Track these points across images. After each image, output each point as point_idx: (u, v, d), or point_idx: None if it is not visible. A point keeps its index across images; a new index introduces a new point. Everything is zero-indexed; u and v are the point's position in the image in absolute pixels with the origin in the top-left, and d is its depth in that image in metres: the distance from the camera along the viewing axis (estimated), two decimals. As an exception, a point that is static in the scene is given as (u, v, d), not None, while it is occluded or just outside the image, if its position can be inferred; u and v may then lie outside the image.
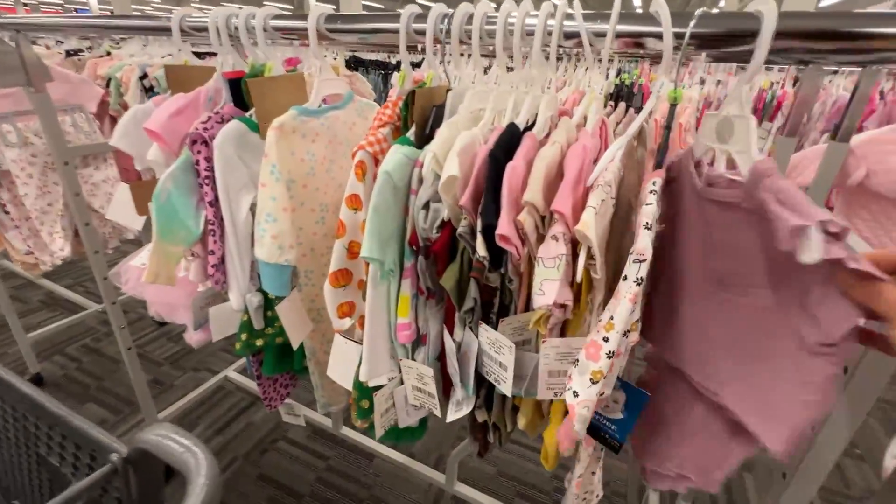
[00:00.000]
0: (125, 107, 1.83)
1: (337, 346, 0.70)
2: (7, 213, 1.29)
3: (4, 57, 1.11)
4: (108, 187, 1.40)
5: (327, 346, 0.88)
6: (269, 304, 0.80)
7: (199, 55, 2.13)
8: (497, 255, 0.51)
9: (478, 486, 1.45)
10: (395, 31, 0.62)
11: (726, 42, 0.46)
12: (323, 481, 1.54)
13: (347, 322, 0.66)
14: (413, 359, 0.64)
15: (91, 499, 0.49)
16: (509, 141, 0.51)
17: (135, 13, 0.93)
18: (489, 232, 0.48)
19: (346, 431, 1.65)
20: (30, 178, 1.23)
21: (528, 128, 0.56)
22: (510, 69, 0.60)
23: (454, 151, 0.50)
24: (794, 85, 2.47)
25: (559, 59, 0.94)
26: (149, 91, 1.83)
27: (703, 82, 2.44)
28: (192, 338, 0.98)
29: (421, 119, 0.61)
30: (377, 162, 0.60)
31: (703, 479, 0.54)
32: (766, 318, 0.44)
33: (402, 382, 0.67)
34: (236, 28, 0.75)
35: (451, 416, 0.62)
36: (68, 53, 2.14)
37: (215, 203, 0.72)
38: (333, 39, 0.70)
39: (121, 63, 1.89)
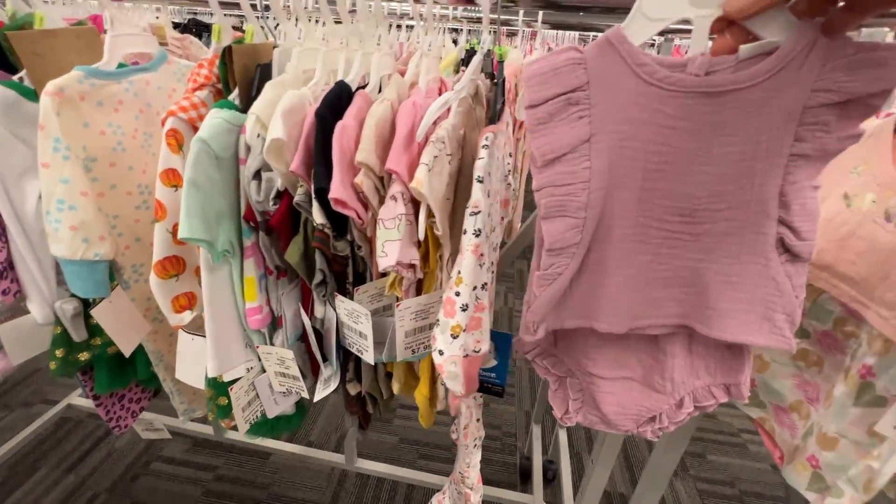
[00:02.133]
0: None
1: (182, 343, 0.62)
2: None
3: None
4: None
5: (175, 347, 0.78)
6: (87, 309, 0.67)
7: None
8: (340, 222, 0.49)
9: (380, 457, 1.47)
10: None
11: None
12: (213, 493, 1.42)
13: (188, 316, 0.58)
14: (272, 343, 0.60)
15: None
16: (338, 100, 0.48)
17: None
18: (323, 196, 0.45)
19: (233, 434, 1.52)
20: None
21: (361, 87, 0.53)
22: (338, 23, 0.56)
23: (278, 112, 0.46)
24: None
25: (399, 27, 0.92)
26: None
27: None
28: (-6, 366, 0.79)
29: (245, 80, 0.54)
30: (195, 129, 0.53)
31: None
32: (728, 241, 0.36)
33: (263, 371, 0.62)
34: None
35: (319, 394, 0.59)
36: None
37: (-14, 196, 0.57)
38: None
39: None
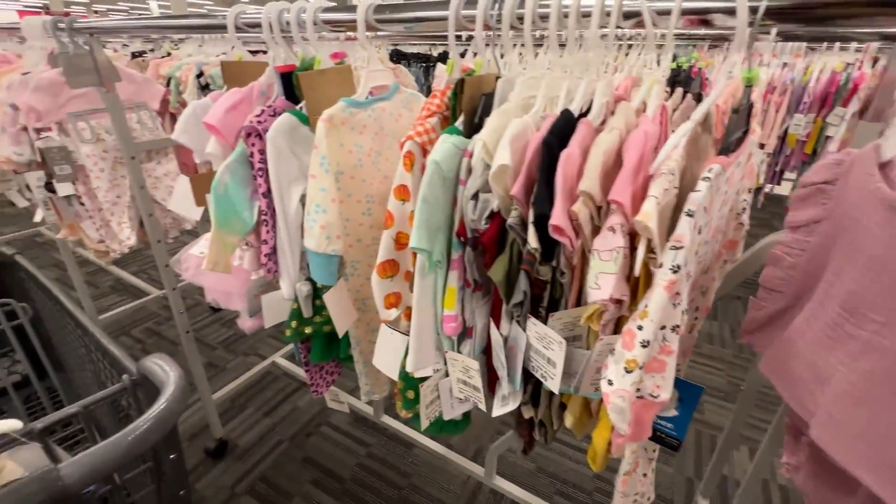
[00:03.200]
0: (183, 104, 1.93)
1: (383, 336, 0.71)
2: (82, 204, 1.39)
3: (79, 60, 1.20)
4: (168, 181, 1.48)
5: (372, 336, 0.90)
6: (317, 293, 0.82)
7: (253, 53, 2.21)
8: (549, 248, 0.50)
9: (516, 480, 1.44)
10: (444, 19, 0.61)
11: (809, 14, 0.42)
12: (364, 467, 1.58)
13: (394, 312, 0.66)
14: (459, 351, 0.64)
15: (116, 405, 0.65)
16: (563, 128, 0.49)
17: (194, 13, 0.97)
18: (542, 223, 0.46)
19: (387, 420, 1.68)
20: (101, 172, 1.33)
21: (583, 114, 0.53)
22: (562, 45, 0.57)
23: (505, 140, 0.49)
24: (872, 66, 2.24)
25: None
26: (204, 88, 1.92)
27: (765, 65, 2.27)
28: (246, 324, 1.02)
29: (470, 108, 0.60)
30: (425, 152, 0.60)
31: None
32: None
33: (447, 375, 0.66)
34: (287, 23, 0.77)
35: (497, 410, 0.61)
36: (133, 55, 2.29)
37: (268, 194, 0.74)
38: (380, 30, 0.70)
39: (179, 63, 1.99)
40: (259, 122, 0.73)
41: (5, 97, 1.28)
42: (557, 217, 0.44)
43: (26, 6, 18.87)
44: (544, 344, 0.54)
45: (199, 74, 1.88)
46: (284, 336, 0.81)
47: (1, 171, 1.42)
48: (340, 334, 0.77)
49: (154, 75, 1.86)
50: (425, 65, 2.97)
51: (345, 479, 1.55)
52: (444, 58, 2.93)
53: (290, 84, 0.79)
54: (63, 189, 1.34)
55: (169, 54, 2.19)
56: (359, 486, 1.52)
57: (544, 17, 0.54)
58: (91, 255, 1.57)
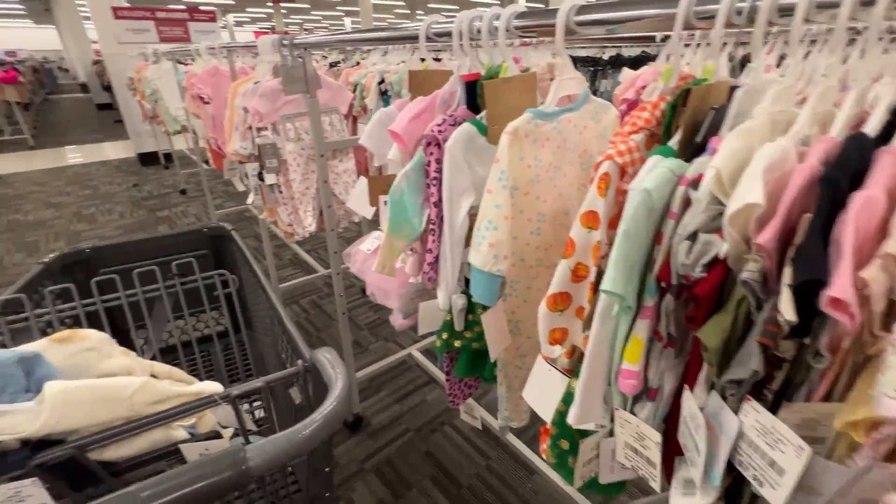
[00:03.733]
0: (364, 108, 2.14)
1: (539, 371, 0.64)
2: (281, 192, 1.65)
3: (294, 70, 1.40)
4: (346, 177, 1.66)
5: (520, 361, 0.84)
6: (471, 307, 0.80)
7: (437, 60, 2.34)
8: (806, 320, 0.36)
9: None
10: (667, 17, 0.51)
11: None
12: (481, 479, 1.55)
13: (558, 350, 0.59)
14: (633, 412, 0.53)
15: (288, 384, 0.69)
16: (855, 159, 0.35)
17: (384, 26, 1.04)
18: (808, 290, 0.33)
19: (511, 438, 1.62)
20: (298, 167, 1.55)
21: (882, 139, 0.38)
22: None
23: (756, 170, 0.37)
24: None
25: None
26: (384, 94, 2.10)
27: None
28: (397, 321, 1.07)
29: (692, 125, 0.49)
30: (623, 174, 0.51)
31: None
32: None
33: (611, 434, 0.57)
34: (478, 31, 0.75)
35: (677, 499, 0.49)
36: (331, 65, 2.63)
37: (438, 204, 0.74)
38: (578, 33, 0.63)
39: (365, 71, 2.21)
40: (439, 131, 0.73)
41: (240, 101, 1.58)
42: (842, 287, 0.31)
43: (260, 28, 23.86)
44: (769, 440, 0.41)
45: (381, 81, 2.05)
46: (434, 346, 0.81)
47: (230, 161, 1.77)
48: (493, 357, 0.73)
49: (345, 82, 2.10)
50: (592, 68, 2.78)
51: (461, 485, 1.53)
52: (616, 62, 2.69)
53: (473, 93, 0.77)
54: (269, 179, 1.60)
55: (358, 63, 2.47)
56: (474, 496, 1.49)
57: (823, 5, 0.40)
58: (280, 234, 1.85)
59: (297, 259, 3.18)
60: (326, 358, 0.61)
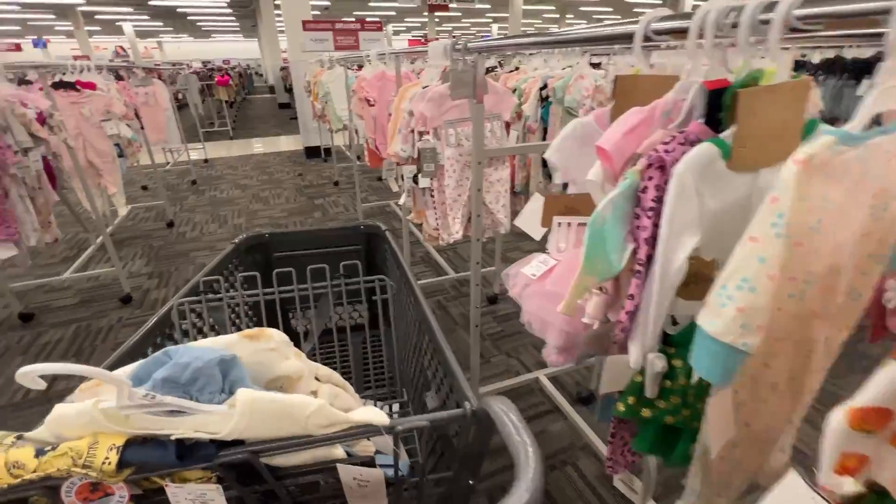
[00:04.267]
0: (518, 115, 2.04)
1: (791, 491, 0.45)
2: (432, 196, 1.65)
3: (463, 75, 1.37)
4: (499, 186, 1.59)
5: (728, 453, 0.64)
6: (671, 373, 0.63)
7: (595, 66, 2.14)
8: None
9: None
10: None
11: None
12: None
13: (848, 484, 0.40)
14: None
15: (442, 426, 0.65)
16: None
17: (577, 29, 0.91)
18: None
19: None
20: (454, 173, 1.52)
21: None
22: None
23: None
24: None
25: None
26: (544, 101, 1.97)
27: None
28: (551, 357, 0.94)
29: None
30: None
31: None
32: None
33: None
34: (733, 25, 0.58)
35: None
36: (487, 70, 2.60)
37: (651, 241, 0.59)
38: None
39: (525, 76, 2.11)
40: (667, 151, 0.58)
41: (407, 105, 1.61)
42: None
43: (414, 36, 25.76)
44: None
45: (543, 87, 1.93)
46: (616, 409, 0.67)
47: (388, 162, 1.84)
48: (715, 451, 0.56)
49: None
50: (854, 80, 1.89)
51: (581, 542, 1.34)
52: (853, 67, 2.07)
53: (716, 105, 0.60)
54: (424, 182, 1.60)
55: (517, 69, 2.39)
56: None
57: None
58: (422, 237, 1.87)
59: (428, 258, 3.26)
60: (510, 419, 0.50)
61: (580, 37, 0.90)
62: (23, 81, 2.53)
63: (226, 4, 16.09)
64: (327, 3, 16.38)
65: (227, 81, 8.60)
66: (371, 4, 17.24)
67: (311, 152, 6.62)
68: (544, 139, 1.98)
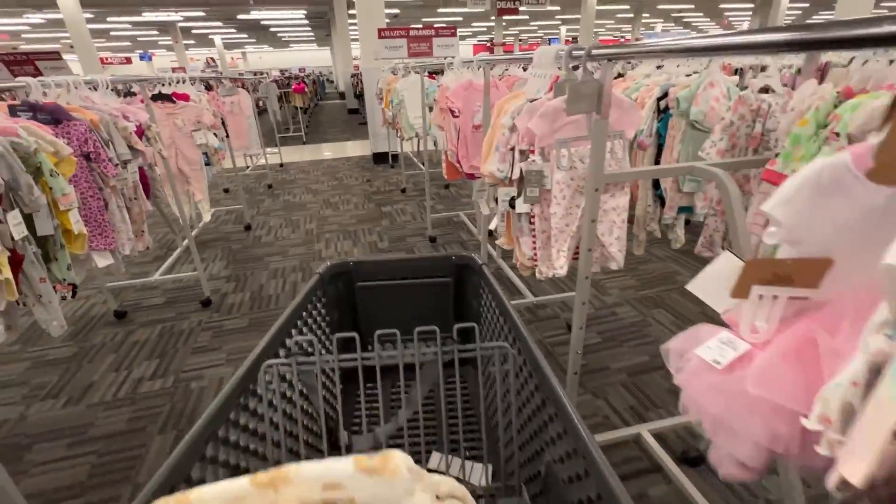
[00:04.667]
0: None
1: None
2: (531, 223, 1.45)
3: (584, 86, 1.15)
4: (614, 216, 1.35)
5: None
6: None
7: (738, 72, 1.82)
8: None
9: None
10: None
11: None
12: None
13: None
14: None
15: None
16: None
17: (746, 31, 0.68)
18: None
19: None
20: (563, 199, 1.31)
21: None
22: None
23: None
24: None
25: None
26: (662, 112, 1.70)
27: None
28: (727, 468, 0.70)
29: None
30: None
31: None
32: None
33: None
34: None
35: None
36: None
37: None
38: None
39: (637, 83, 1.84)
40: None
41: (506, 120, 1.43)
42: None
43: (479, 41, 25.68)
44: None
45: (662, 96, 1.67)
46: None
47: (480, 182, 1.67)
48: None
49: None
50: None
51: None
52: None
53: None
54: (522, 208, 1.41)
55: (620, 76, 2.13)
56: None
57: None
58: (517, 264, 1.67)
59: (499, 275, 3.05)
60: None
61: (761, 41, 0.64)
62: (128, 94, 2.67)
63: (304, 16, 16.99)
64: (396, 12, 16.74)
65: (302, 89, 8.97)
66: (440, 11, 17.39)
67: (379, 158, 6.67)
68: (658, 157, 1.71)
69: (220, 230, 4.16)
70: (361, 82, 9.43)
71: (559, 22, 21.78)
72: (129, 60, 21.42)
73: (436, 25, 5.08)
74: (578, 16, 14.39)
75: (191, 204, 2.81)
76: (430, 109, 2.76)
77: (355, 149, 8.18)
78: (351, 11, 13.74)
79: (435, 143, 2.97)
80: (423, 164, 3.81)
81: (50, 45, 20.17)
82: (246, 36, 23.16)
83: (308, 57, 31.57)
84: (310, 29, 21.45)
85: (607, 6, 16.53)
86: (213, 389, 2.08)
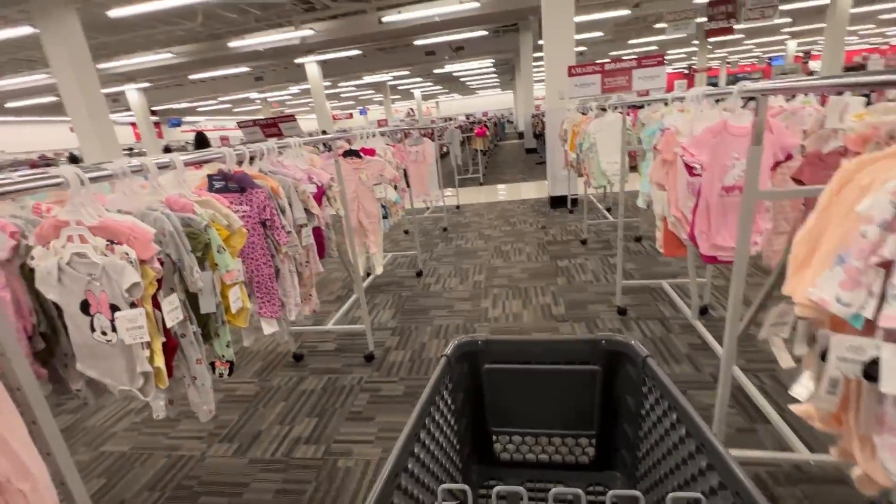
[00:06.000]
0: None
1: None
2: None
3: None
4: None
5: None
6: None
7: None
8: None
9: None
10: None
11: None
12: None
13: None
14: None
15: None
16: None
17: None
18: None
19: None
20: None
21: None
22: None
23: None
24: None
25: None
26: None
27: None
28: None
29: None
30: None
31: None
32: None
33: None
34: None
35: None
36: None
37: None
38: None
39: None
40: None
41: (871, 207, 0.75)
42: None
43: (674, 69, 23.18)
44: None
45: None
46: None
47: (780, 311, 0.97)
48: None
49: None
50: None
51: None
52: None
53: None
54: (892, 386, 0.70)
55: None
56: None
57: None
58: (858, 475, 0.93)
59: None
60: None
61: None
62: (328, 148, 2.85)
63: (491, 64, 18.12)
64: (582, 49, 16.34)
65: (484, 133, 9.22)
66: (631, 42, 16.27)
67: (557, 202, 6.17)
68: None
69: (395, 274, 4.24)
70: (542, 122, 9.20)
71: (786, 36, 17.97)
72: (350, 116, 26.38)
73: (638, 56, 4.41)
74: (819, 25, 11.46)
75: (365, 257, 2.80)
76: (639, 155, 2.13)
77: (531, 190, 7.88)
78: (536, 54, 13.95)
79: (648, 206, 2.31)
80: (608, 212, 3.13)
81: (297, 109, 26.42)
82: (440, 87, 26.08)
83: (491, 101, 33.78)
84: (496, 75, 22.83)
85: (865, 6, 12.79)
86: (357, 472, 1.87)
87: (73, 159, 10.26)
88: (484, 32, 12.32)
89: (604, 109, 3.82)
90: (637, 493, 0.68)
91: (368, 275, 3.96)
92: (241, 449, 2.10)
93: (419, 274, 4.15)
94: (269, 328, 1.62)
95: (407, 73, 17.33)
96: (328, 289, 4.00)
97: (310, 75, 12.31)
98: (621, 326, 2.84)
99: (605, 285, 3.47)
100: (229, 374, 1.37)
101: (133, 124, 16.20)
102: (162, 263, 1.03)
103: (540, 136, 11.89)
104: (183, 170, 1.25)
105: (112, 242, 0.97)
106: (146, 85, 13.22)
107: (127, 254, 0.97)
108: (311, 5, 9.31)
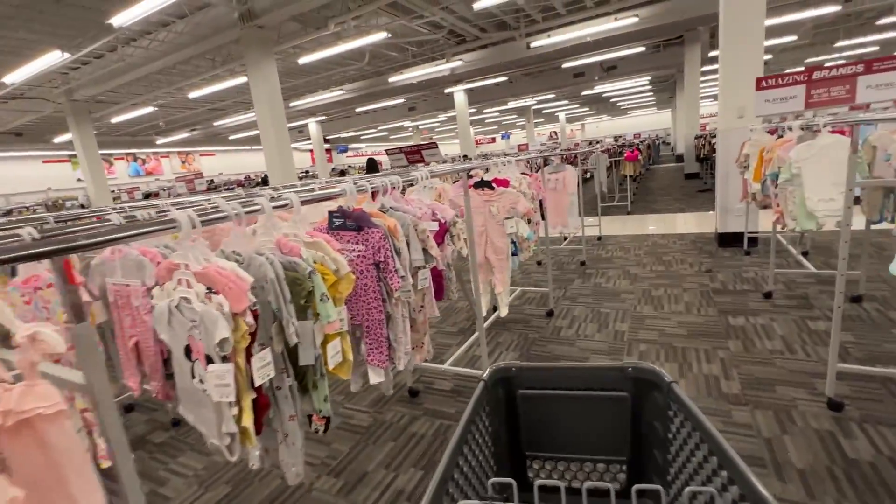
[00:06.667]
0: None
1: None
2: None
3: None
4: None
5: None
6: None
7: None
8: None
9: None
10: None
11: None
12: None
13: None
14: None
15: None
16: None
17: None
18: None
19: None
20: None
21: None
22: None
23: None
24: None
25: None
26: None
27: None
28: None
29: None
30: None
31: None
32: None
33: None
34: None
35: None
36: None
37: None
38: None
39: None
40: None
41: None
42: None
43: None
44: None
45: None
46: None
47: None
48: None
49: None
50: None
51: None
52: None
53: None
54: None
55: None
56: None
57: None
58: None
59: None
60: None
61: None
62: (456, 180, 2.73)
63: (647, 82, 16.59)
64: (767, 57, 13.81)
65: (636, 157, 8.30)
66: (838, 45, 13.14)
67: (727, 239, 5.08)
68: None
69: (523, 310, 3.91)
70: (708, 144, 7.88)
71: None
72: (493, 140, 27.01)
73: (859, 59, 3.34)
74: None
75: (490, 294, 2.55)
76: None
77: (691, 224, 6.73)
78: (706, 68, 12.23)
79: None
80: (805, 257, 2.29)
81: (444, 135, 28.06)
82: (587, 109, 24.97)
83: (644, 121, 30.96)
84: (651, 93, 20.89)
85: None
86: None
87: (264, 181, 12.49)
88: (641, 49, 11.31)
89: (810, 129, 2.94)
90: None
91: (495, 309, 3.72)
92: (346, 488, 2.01)
93: (550, 314, 3.73)
94: (375, 377, 1.47)
95: (552, 95, 16.99)
96: (451, 319, 3.87)
97: (457, 103, 12.91)
98: (834, 427, 2.02)
99: (805, 361, 2.58)
100: (324, 432, 1.24)
101: (311, 150, 19.25)
102: (256, 316, 0.93)
103: (705, 159, 10.27)
104: (299, 208, 1.18)
105: (210, 291, 0.90)
106: (322, 118, 15.58)
107: (221, 305, 0.88)
108: (462, 38, 9.76)
